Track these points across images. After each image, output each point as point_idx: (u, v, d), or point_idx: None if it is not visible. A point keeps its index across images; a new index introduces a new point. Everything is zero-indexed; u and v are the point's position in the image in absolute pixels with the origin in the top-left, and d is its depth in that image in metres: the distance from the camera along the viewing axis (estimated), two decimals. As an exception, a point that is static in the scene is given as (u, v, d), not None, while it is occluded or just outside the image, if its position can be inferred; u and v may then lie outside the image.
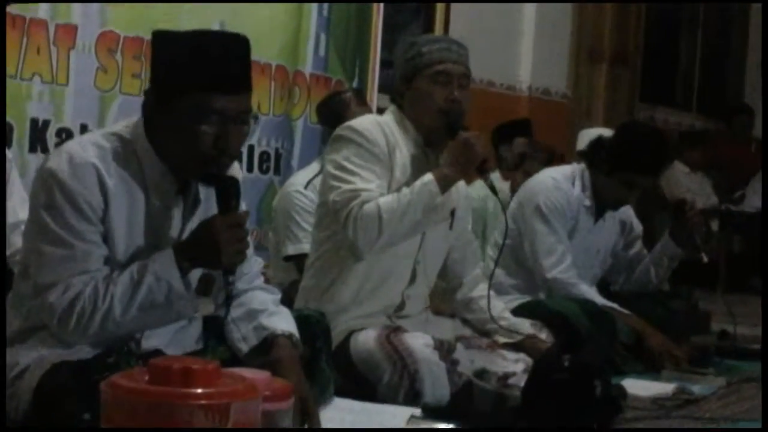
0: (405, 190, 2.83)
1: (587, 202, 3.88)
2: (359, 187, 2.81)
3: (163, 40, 2.23)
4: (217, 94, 2.15)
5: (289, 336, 2.38)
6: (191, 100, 2.15)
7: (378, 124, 2.97)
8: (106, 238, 2.20)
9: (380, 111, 5.19)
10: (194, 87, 2.15)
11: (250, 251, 2.36)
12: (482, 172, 2.91)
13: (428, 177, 2.82)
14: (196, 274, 2.31)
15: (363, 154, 2.86)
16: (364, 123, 2.97)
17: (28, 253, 2.22)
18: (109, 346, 2.21)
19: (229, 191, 2.22)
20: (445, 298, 3.34)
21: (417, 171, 2.92)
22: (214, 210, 2.26)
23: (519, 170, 4.95)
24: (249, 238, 2.26)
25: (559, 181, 3.88)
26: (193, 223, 2.29)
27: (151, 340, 2.28)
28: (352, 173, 2.83)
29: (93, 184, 2.16)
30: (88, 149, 2.19)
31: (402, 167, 2.92)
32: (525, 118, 5.78)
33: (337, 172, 2.86)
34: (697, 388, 3.28)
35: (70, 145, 2.24)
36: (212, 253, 2.17)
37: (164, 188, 2.25)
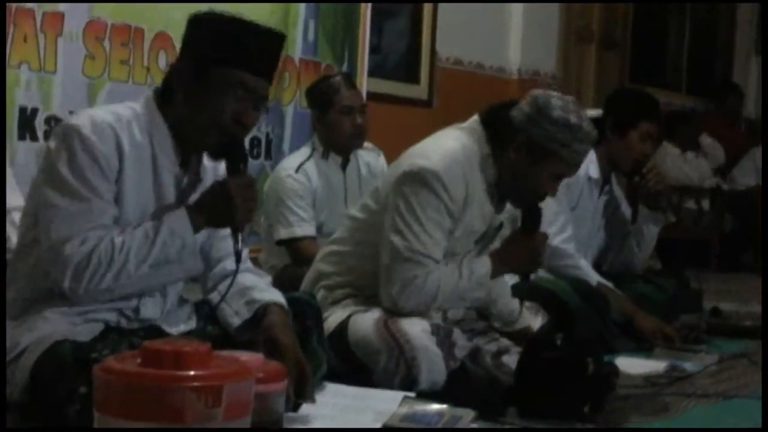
0: (464, 273, 2.87)
1: (595, 174, 3.91)
2: (428, 252, 2.81)
3: (206, 19, 2.36)
4: (249, 73, 2.30)
5: (281, 306, 2.45)
6: (227, 74, 2.29)
7: (460, 165, 2.87)
8: (117, 200, 2.26)
9: (369, 95, 5.23)
10: (232, 62, 2.30)
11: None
12: (527, 276, 3.04)
13: (486, 268, 2.91)
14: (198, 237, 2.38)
15: (439, 208, 2.82)
16: (448, 164, 2.85)
17: (42, 210, 2.23)
18: (107, 320, 2.28)
19: (238, 154, 2.34)
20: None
21: (482, 220, 2.95)
22: None
23: None
24: None
25: None
26: (193, 199, 2.37)
27: (148, 309, 2.37)
28: (424, 229, 2.81)
29: (112, 144, 2.24)
30: (106, 114, 2.29)
31: (473, 212, 2.90)
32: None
33: (408, 216, 2.81)
34: (689, 366, 3.30)
35: (90, 110, 2.40)
36: (227, 212, 2.30)
37: (170, 161, 2.34)
